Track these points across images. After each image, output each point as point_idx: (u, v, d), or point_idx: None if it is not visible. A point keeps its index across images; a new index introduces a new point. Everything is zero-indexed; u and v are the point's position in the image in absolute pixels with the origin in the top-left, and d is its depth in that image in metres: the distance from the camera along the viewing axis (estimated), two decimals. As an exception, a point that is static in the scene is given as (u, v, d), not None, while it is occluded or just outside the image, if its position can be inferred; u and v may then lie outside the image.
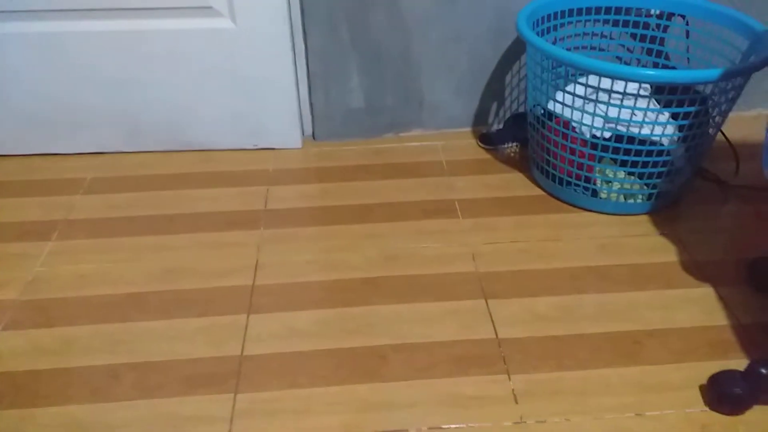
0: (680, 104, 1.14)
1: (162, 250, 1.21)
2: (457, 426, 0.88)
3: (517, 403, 0.91)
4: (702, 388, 0.93)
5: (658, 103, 1.19)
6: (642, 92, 1.15)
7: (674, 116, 1.18)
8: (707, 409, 0.90)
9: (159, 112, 1.45)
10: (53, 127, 1.46)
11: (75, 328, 1.04)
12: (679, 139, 1.20)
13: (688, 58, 1.39)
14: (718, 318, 1.05)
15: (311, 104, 1.51)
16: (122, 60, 1.38)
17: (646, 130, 1.19)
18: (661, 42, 1.42)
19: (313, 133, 1.55)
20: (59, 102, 1.43)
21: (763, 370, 0.86)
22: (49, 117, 1.45)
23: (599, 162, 1.24)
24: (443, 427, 0.88)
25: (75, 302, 1.10)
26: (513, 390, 0.93)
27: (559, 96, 1.24)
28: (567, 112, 1.23)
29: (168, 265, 1.17)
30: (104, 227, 1.27)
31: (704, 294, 1.10)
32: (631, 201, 1.27)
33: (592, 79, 1.21)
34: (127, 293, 1.11)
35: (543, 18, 1.36)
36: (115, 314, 1.07)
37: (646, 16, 1.40)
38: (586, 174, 1.25)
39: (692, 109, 1.13)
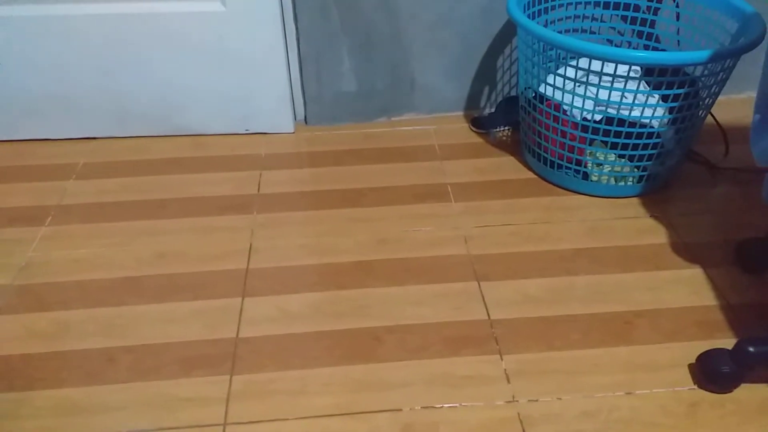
0: (670, 86, 1.15)
1: (155, 234, 1.21)
2: (450, 405, 0.89)
3: (509, 382, 0.92)
4: (691, 367, 0.94)
5: (648, 86, 1.19)
6: (632, 75, 1.15)
7: (664, 98, 1.19)
8: (696, 387, 0.92)
9: (150, 97, 1.45)
10: (44, 113, 1.45)
11: (69, 312, 1.05)
12: (669, 121, 1.21)
13: (678, 41, 1.40)
14: (707, 298, 1.06)
15: (303, 88, 1.50)
16: (112, 45, 1.37)
17: (636, 113, 1.19)
18: (652, 24, 1.43)
19: (305, 117, 1.55)
20: (49, 87, 1.42)
21: (751, 349, 0.88)
22: (40, 102, 1.44)
23: (590, 145, 1.25)
24: (436, 406, 0.89)
25: (69, 287, 1.10)
26: (505, 370, 0.94)
27: (550, 79, 1.25)
28: (558, 95, 1.23)
29: (162, 250, 1.17)
30: (97, 212, 1.27)
31: (693, 275, 1.11)
32: (622, 183, 1.28)
33: (583, 62, 1.21)
34: (121, 277, 1.11)
35: (534, 0, 1.36)
36: (109, 298, 1.07)
37: (637, -2, 1.41)
38: (577, 157, 1.26)
39: (682, 91, 1.14)
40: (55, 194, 1.32)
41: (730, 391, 0.90)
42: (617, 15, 1.44)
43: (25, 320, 1.03)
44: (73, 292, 1.09)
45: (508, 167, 1.39)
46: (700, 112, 1.23)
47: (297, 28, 1.42)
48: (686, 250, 1.16)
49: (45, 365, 0.96)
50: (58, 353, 0.98)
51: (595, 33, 1.46)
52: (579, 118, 1.22)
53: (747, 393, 0.90)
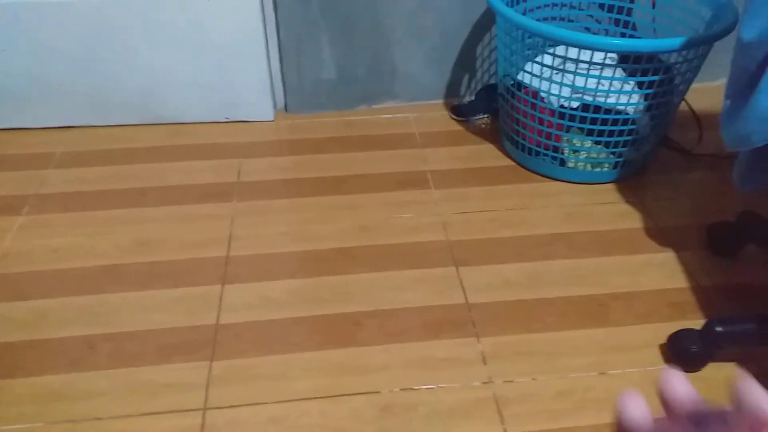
0: (645, 73, 1.17)
1: (135, 222, 1.21)
2: (428, 387, 0.91)
3: (485, 364, 0.94)
4: (663, 347, 0.97)
5: (624, 73, 1.21)
6: (608, 62, 1.17)
7: (639, 85, 1.20)
8: (667, 366, 0.94)
9: (130, 85, 1.44)
10: (21, 101, 1.44)
11: (49, 301, 1.05)
12: (644, 108, 1.23)
13: (654, 29, 1.42)
14: (679, 281, 1.09)
15: (283, 76, 1.50)
16: (91, 32, 1.36)
17: (612, 100, 1.21)
18: (629, 12, 1.44)
19: (285, 105, 1.55)
20: (26, 75, 1.41)
21: (719, 329, 0.90)
22: (16, 91, 1.42)
23: (567, 131, 1.26)
24: (414, 388, 0.91)
25: (48, 275, 1.10)
26: (482, 352, 0.96)
27: (528, 66, 1.26)
28: (536, 83, 1.24)
29: (141, 238, 1.18)
30: (76, 201, 1.27)
31: (666, 258, 1.13)
32: (598, 170, 1.30)
33: (560, 50, 1.22)
34: (101, 265, 1.11)
35: (513, -11, 1.37)
36: (89, 286, 1.07)
37: (613, -13, 1.42)
38: (555, 144, 1.28)
39: (657, 78, 1.16)
40: (33, 183, 1.31)
41: (699, 370, 0.93)
42: (594, 3, 1.46)
43: (3, 309, 1.03)
44: (53, 281, 1.08)
45: (487, 155, 1.41)
46: (675, 98, 1.25)
47: (276, 16, 1.42)
48: (660, 234, 1.19)
49: (25, 353, 0.96)
50: (38, 341, 0.98)
51: (573, 21, 1.48)
52: (556, 106, 1.24)
53: (715, 372, 0.93)
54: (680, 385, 0.25)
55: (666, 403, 0.25)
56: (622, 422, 0.25)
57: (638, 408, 0.25)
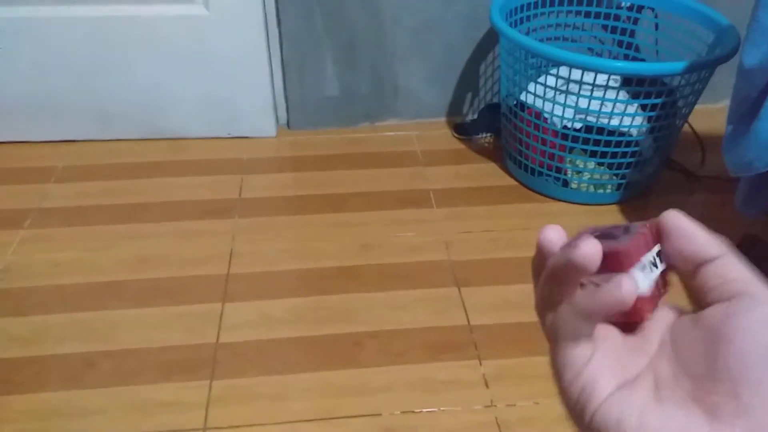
0: (648, 96, 1.17)
1: (136, 238, 1.21)
2: (430, 410, 0.90)
3: (487, 387, 0.94)
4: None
5: (627, 95, 1.21)
6: (612, 83, 1.17)
7: (643, 107, 1.21)
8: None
9: (132, 100, 1.44)
10: (23, 115, 1.44)
11: (49, 317, 1.04)
12: (647, 130, 1.23)
13: (657, 51, 1.42)
14: (682, 304, 1.08)
15: (286, 92, 1.51)
16: (93, 47, 1.37)
17: (615, 121, 1.21)
18: (632, 34, 1.45)
19: (287, 121, 1.55)
20: (29, 89, 1.41)
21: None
22: (19, 104, 1.43)
23: (570, 152, 1.27)
24: (416, 411, 0.90)
25: (49, 291, 1.09)
26: (484, 375, 0.95)
27: (531, 87, 1.27)
28: (539, 103, 1.25)
29: (143, 254, 1.17)
30: (77, 216, 1.26)
31: (670, 280, 1.13)
32: (601, 191, 1.30)
33: (563, 71, 1.23)
34: (101, 281, 1.11)
35: (516, 8, 1.38)
36: (90, 302, 1.07)
37: (617, 8, 1.43)
38: (557, 164, 1.28)
39: (660, 100, 1.16)
40: (34, 197, 1.31)
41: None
42: (598, 24, 1.46)
43: (3, 324, 1.03)
44: (53, 296, 1.08)
45: (489, 174, 1.41)
46: (678, 121, 1.26)
47: (280, 32, 1.43)
48: (663, 256, 1.18)
49: (24, 370, 0.95)
50: (37, 357, 0.97)
51: (576, 41, 1.48)
52: (559, 126, 1.24)
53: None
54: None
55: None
56: (540, 242, 0.28)
57: (555, 230, 0.28)
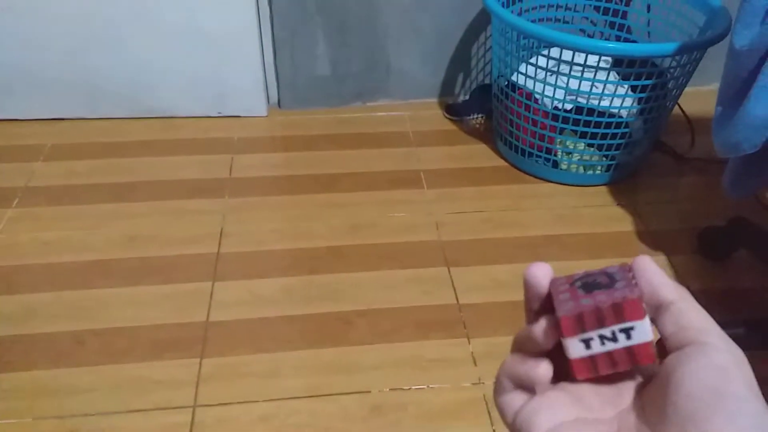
0: (638, 77, 1.17)
1: (125, 217, 1.20)
2: (418, 387, 0.91)
3: (476, 365, 0.94)
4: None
5: (618, 76, 1.21)
6: (602, 64, 1.17)
7: (633, 89, 1.21)
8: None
9: (121, 77, 1.43)
10: (10, 93, 1.43)
11: (37, 295, 1.04)
12: (637, 111, 1.23)
13: (648, 32, 1.42)
14: (669, 284, 1.09)
15: (277, 72, 1.50)
16: (83, 24, 1.35)
17: (605, 103, 1.22)
18: (624, 16, 1.45)
19: (278, 101, 1.54)
20: (17, 67, 1.39)
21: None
22: (6, 82, 1.41)
23: (560, 134, 1.27)
24: (404, 388, 0.91)
25: (37, 269, 1.09)
26: (472, 353, 0.96)
27: (523, 68, 1.26)
28: (530, 84, 1.25)
29: (131, 233, 1.17)
30: (66, 194, 1.26)
31: (657, 262, 1.13)
32: (590, 172, 1.30)
33: (555, 51, 1.22)
34: (90, 260, 1.11)
35: (509, -11, 1.37)
36: (78, 281, 1.07)
37: (609, -11, 1.42)
38: (548, 145, 1.28)
39: (650, 82, 1.16)
40: (22, 176, 1.30)
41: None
42: (590, 5, 1.46)
43: (-9, 302, 1.02)
44: (42, 275, 1.08)
45: (480, 155, 1.41)
46: (668, 102, 1.26)
47: (271, 11, 1.41)
48: (651, 237, 1.19)
49: (13, 348, 0.95)
50: (26, 336, 0.97)
51: (568, 22, 1.48)
52: (550, 107, 1.24)
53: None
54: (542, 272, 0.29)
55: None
56: (527, 280, 0.29)
57: (541, 269, 0.29)
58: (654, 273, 0.27)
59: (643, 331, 0.26)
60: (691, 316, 0.27)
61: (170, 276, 1.08)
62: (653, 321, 0.27)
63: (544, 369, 0.28)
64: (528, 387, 0.29)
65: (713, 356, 0.25)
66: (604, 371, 0.28)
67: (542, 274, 0.29)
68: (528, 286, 0.30)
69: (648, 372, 0.29)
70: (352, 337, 0.98)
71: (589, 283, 0.28)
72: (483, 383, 0.92)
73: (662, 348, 0.27)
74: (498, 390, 0.30)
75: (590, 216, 1.24)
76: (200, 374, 0.92)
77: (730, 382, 0.24)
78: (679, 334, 0.26)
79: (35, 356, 0.94)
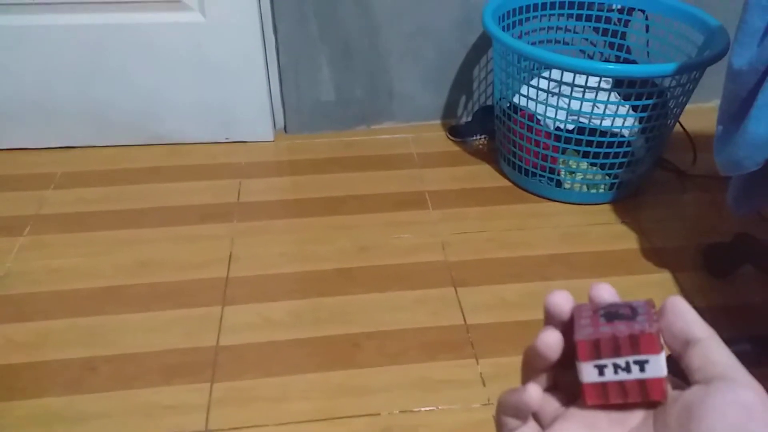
0: (639, 97, 1.19)
1: (135, 243, 1.22)
2: (428, 409, 0.91)
3: (484, 385, 0.95)
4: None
5: (619, 96, 1.23)
6: (603, 85, 1.19)
7: (634, 108, 1.22)
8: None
9: (129, 106, 1.45)
10: (22, 122, 1.45)
11: (50, 322, 1.05)
12: (639, 130, 1.25)
13: (648, 52, 1.44)
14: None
15: (282, 97, 1.52)
16: (92, 54, 1.38)
17: (607, 122, 1.23)
18: (623, 36, 1.47)
19: (284, 125, 1.56)
20: (27, 96, 1.42)
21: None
22: (17, 111, 1.44)
23: (563, 153, 1.28)
24: (414, 410, 0.91)
25: (49, 296, 1.10)
26: (481, 373, 0.97)
27: (524, 89, 1.28)
28: (532, 105, 1.26)
29: (142, 259, 1.18)
30: (76, 222, 1.28)
31: (662, 279, 1.15)
32: (594, 191, 1.31)
33: (555, 73, 1.24)
34: (101, 287, 1.12)
35: (509, 12, 1.39)
36: (90, 307, 1.08)
37: (608, 10, 1.45)
38: (551, 165, 1.29)
39: (651, 101, 1.18)
40: (33, 204, 1.32)
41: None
42: (589, 26, 1.48)
43: (5, 330, 1.03)
44: (53, 302, 1.09)
45: (484, 175, 1.42)
46: (669, 121, 1.28)
47: (276, 38, 1.44)
48: (656, 255, 1.20)
49: (25, 375, 0.96)
50: (38, 363, 0.98)
51: (568, 44, 1.50)
52: (552, 128, 1.26)
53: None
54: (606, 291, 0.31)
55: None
56: (547, 307, 0.30)
57: (562, 296, 0.30)
58: (688, 311, 0.28)
59: (658, 367, 0.27)
60: (721, 352, 0.27)
61: (180, 301, 1.09)
62: (680, 356, 0.28)
63: (532, 389, 0.29)
64: (523, 413, 0.29)
65: (740, 393, 0.25)
66: (615, 400, 0.28)
67: (564, 301, 0.30)
68: (549, 315, 0.30)
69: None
70: (360, 360, 0.99)
71: (612, 313, 0.29)
72: (492, 404, 0.92)
73: (676, 381, 0.28)
74: (500, 429, 0.31)
75: (595, 234, 1.25)
76: (211, 399, 0.93)
77: (754, 421, 0.25)
78: (707, 368, 0.27)
79: (48, 383, 0.95)
